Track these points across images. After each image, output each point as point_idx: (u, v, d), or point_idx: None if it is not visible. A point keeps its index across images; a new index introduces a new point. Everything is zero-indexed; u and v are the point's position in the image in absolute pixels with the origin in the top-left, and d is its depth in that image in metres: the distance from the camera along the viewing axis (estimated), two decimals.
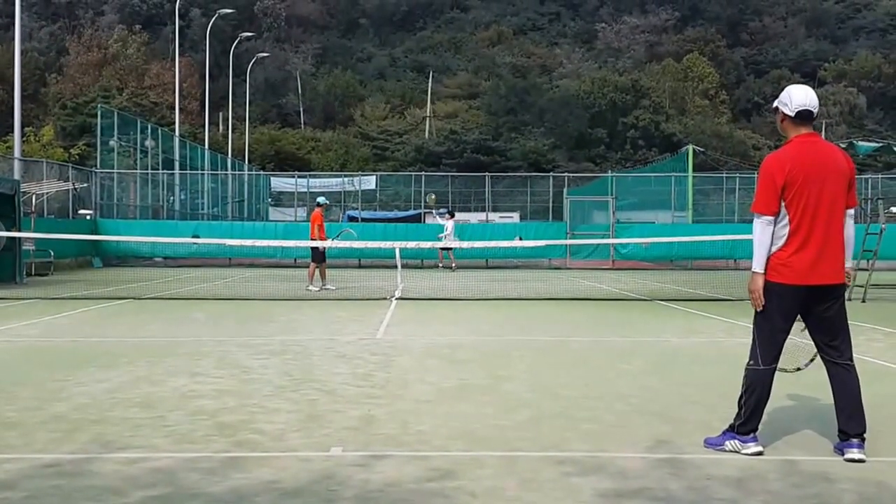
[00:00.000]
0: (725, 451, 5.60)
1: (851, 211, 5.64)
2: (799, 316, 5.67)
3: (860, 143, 23.48)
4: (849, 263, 5.68)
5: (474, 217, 41.34)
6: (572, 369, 8.76)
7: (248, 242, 26.97)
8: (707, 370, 8.76)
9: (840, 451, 5.57)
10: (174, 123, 46.38)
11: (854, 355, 5.65)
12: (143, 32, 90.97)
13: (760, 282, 5.51)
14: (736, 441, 5.61)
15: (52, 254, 24.89)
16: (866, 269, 17.96)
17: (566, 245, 30.99)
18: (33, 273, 23.10)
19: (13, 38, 30.91)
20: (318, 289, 19.05)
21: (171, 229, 33.09)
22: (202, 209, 45.04)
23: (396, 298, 17.19)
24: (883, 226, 18.28)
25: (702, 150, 43.21)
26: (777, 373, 5.67)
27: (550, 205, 39.28)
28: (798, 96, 5.56)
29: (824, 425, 6.32)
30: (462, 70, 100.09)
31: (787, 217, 5.45)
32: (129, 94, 70.85)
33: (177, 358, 9.26)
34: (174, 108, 47.51)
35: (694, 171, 37.82)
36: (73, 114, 65.00)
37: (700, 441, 5.80)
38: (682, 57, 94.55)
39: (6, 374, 8.33)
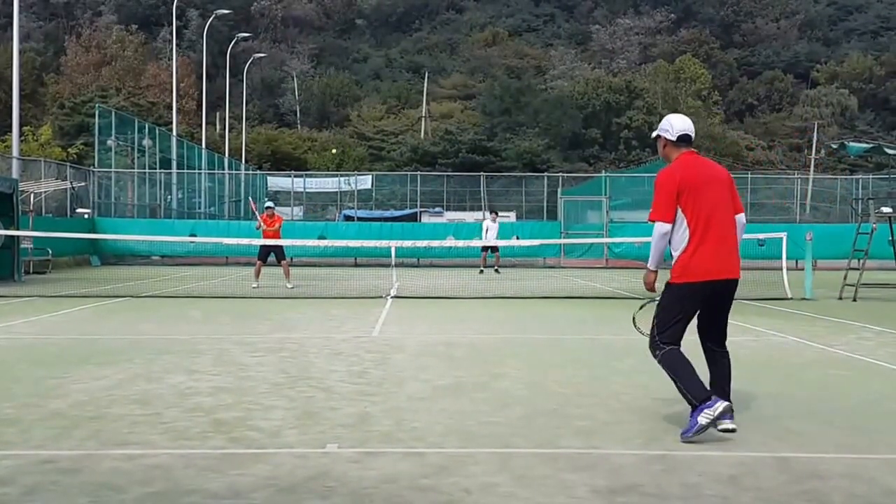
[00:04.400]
0: (703, 426, 5.71)
1: (741, 216, 6.22)
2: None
3: (851, 143, 23.57)
4: None
5: (469, 216, 41.40)
6: (566, 367, 8.80)
7: (245, 241, 26.95)
8: (699, 368, 8.77)
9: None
10: (171, 123, 46.35)
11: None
12: (141, 33, 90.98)
13: (653, 277, 6.18)
14: (705, 411, 5.75)
15: (51, 252, 24.90)
16: (857, 269, 18.04)
17: (560, 244, 31.06)
18: (31, 271, 23.10)
19: (11, 38, 30.87)
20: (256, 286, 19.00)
21: (169, 228, 33.16)
22: (199, 208, 45.08)
23: (392, 297, 17.25)
24: (874, 226, 18.35)
25: (694, 150, 42.87)
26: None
27: (545, 204, 39.37)
28: (678, 123, 6.21)
29: (816, 423, 6.39)
30: (457, 71, 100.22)
31: (686, 221, 5.94)
32: (126, 93, 70.81)
33: (174, 355, 9.29)
34: (171, 108, 47.49)
35: None
36: (71, 113, 64.92)
37: (692, 438, 5.83)
38: (675, 58, 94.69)
39: (4, 371, 8.35)
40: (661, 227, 5.97)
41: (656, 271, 6.14)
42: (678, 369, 5.93)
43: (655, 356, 6.05)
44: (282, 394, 7.28)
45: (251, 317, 13.45)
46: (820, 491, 4.83)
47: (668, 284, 6.05)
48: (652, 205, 6.06)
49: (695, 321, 6.20)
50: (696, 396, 5.81)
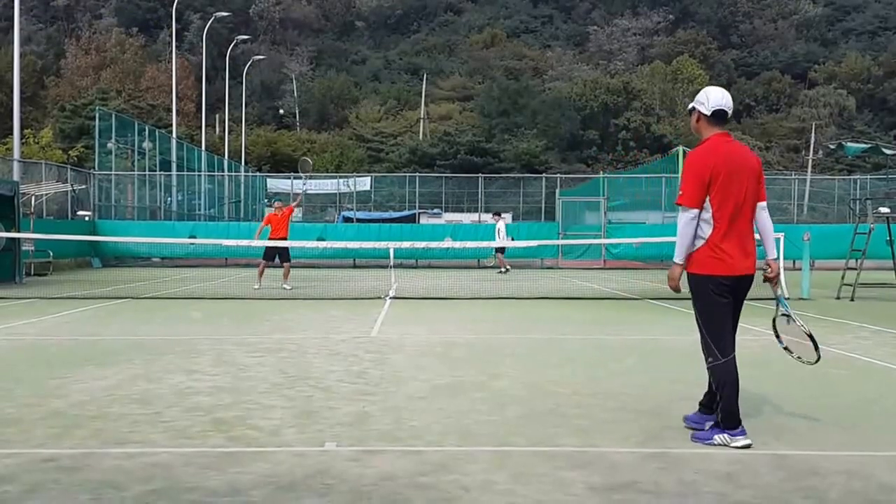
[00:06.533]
0: (715, 444, 5.67)
1: (764, 204, 5.87)
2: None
3: (849, 144, 23.62)
4: (773, 255, 5.92)
5: (467, 217, 41.40)
6: (564, 367, 8.82)
7: (245, 243, 26.97)
8: (697, 368, 8.75)
9: (699, 423, 5.95)
10: (171, 125, 46.38)
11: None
12: (140, 35, 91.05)
13: (679, 272, 5.75)
14: (725, 435, 5.68)
15: (51, 254, 24.92)
16: (855, 269, 18.05)
17: (558, 245, 31.05)
18: (32, 273, 23.11)
19: (12, 42, 30.82)
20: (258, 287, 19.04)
21: (169, 230, 33.14)
22: (199, 210, 45.09)
23: (391, 297, 17.27)
24: (872, 225, 18.36)
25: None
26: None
27: (543, 205, 39.38)
28: (715, 97, 5.79)
29: (814, 421, 6.42)
30: (456, 72, 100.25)
31: (711, 211, 5.62)
32: (126, 96, 70.81)
33: (174, 356, 9.31)
34: (171, 110, 47.51)
35: None
36: (72, 116, 64.83)
37: (689, 436, 5.89)
38: (673, 59, 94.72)
39: (6, 372, 8.37)
40: (689, 213, 5.61)
41: (683, 265, 5.73)
42: (724, 385, 5.68)
43: (707, 361, 5.80)
44: (281, 393, 7.31)
45: (251, 318, 13.47)
46: (817, 488, 4.86)
47: (689, 275, 5.74)
48: (680, 187, 5.69)
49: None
50: (728, 416, 5.66)
